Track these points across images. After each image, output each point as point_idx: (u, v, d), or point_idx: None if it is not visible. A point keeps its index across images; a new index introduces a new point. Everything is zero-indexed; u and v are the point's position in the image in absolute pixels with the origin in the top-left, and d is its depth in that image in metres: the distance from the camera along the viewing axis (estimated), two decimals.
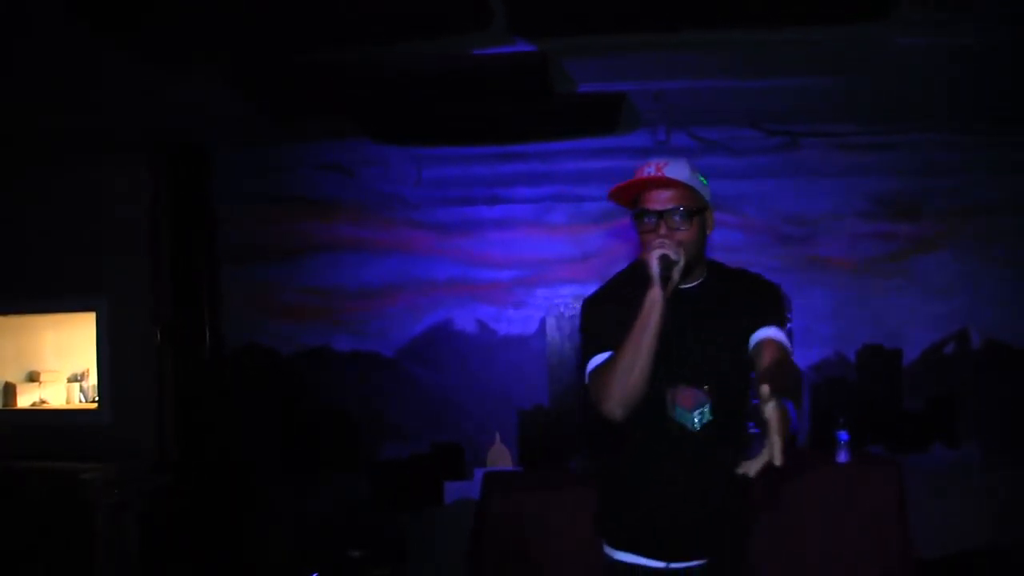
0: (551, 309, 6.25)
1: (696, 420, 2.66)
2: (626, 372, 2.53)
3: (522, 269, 6.27)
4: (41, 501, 5.57)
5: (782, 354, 2.58)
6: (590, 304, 2.87)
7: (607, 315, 2.72)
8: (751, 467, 2.19)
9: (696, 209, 2.64)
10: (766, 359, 2.57)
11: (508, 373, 6.25)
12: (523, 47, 4.52)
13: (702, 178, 2.68)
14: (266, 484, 6.31)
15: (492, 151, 6.24)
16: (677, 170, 2.60)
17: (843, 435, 5.24)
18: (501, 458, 6.11)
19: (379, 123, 5.93)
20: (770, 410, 2.15)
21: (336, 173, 6.38)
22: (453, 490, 6.19)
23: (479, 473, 5.86)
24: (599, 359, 2.67)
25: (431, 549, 6.07)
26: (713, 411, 2.66)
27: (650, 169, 2.62)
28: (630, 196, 2.70)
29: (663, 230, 2.59)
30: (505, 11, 4.06)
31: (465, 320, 6.32)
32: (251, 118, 5.63)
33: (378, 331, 6.32)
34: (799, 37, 4.48)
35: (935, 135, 6.18)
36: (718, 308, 2.71)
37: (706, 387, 2.66)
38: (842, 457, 5.23)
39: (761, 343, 2.64)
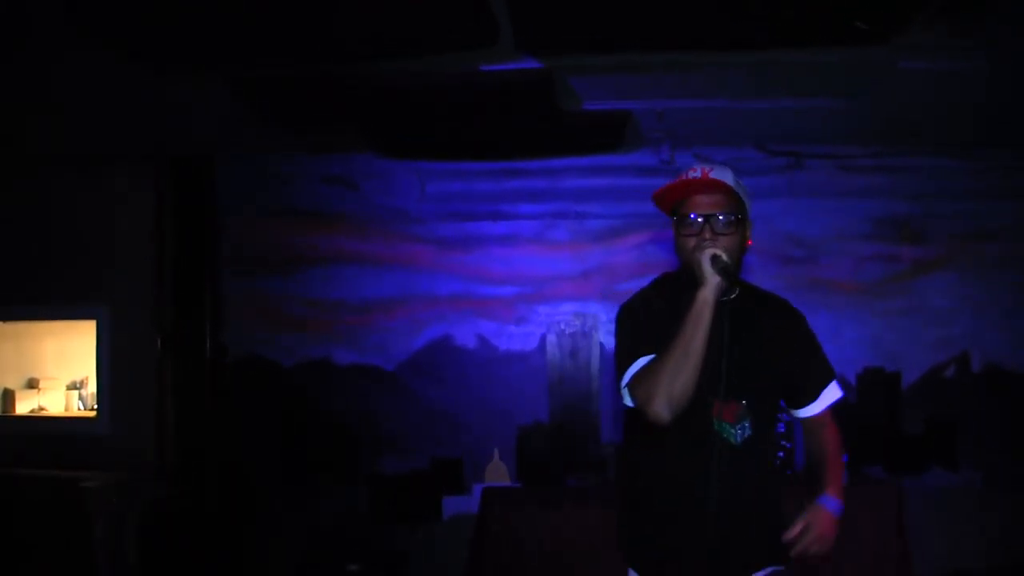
0: (552, 326, 6.25)
1: (738, 434, 2.64)
2: (675, 371, 2.47)
3: (524, 285, 6.27)
4: (40, 509, 5.56)
5: (837, 446, 2.88)
6: (627, 311, 2.81)
7: (646, 321, 2.69)
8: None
9: (739, 216, 2.63)
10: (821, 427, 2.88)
11: (508, 389, 6.24)
12: (529, 64, 4.54)
13: (746, 191, 2.69)
14: (266, 496, 6.30)
15: (496, 167, 6.25)
16: (722, 174, 2.62)
17: (842, 456, 5.23)
18: (499, 474, 6.10)
19: (384, 137, 5.95)
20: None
21: (340, 186, 6.39)
22: (451, 505, 6.18)
23: (477, 488, 5.85)
24: (642, 362, 2.60)
25: (429, 563, 6.07)
26: (754, 426, 2.66)
27: (695, 173, 2.63)
28: (672, 201, 2.69)
29: (707, 234, 2.58)
30: (512, 28, 4.08)
31: (466, 335, 6.31)
32: (256, 130, 5.64)
33: (379, 345, 6.32)
34: (804, 59, 4.51)
35: (940, 159, 6.19)
36: (757, 326, 2.72)
37: (744, 402, 2.64)
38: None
39: (819, 419, 2.89)
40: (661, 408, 2.48)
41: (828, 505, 2.71)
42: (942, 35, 4.10)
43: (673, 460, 2.68)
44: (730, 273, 2.55)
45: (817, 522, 2.65)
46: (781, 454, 5.62)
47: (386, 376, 6.31)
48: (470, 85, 4.87)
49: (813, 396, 2.85)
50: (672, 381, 2.47)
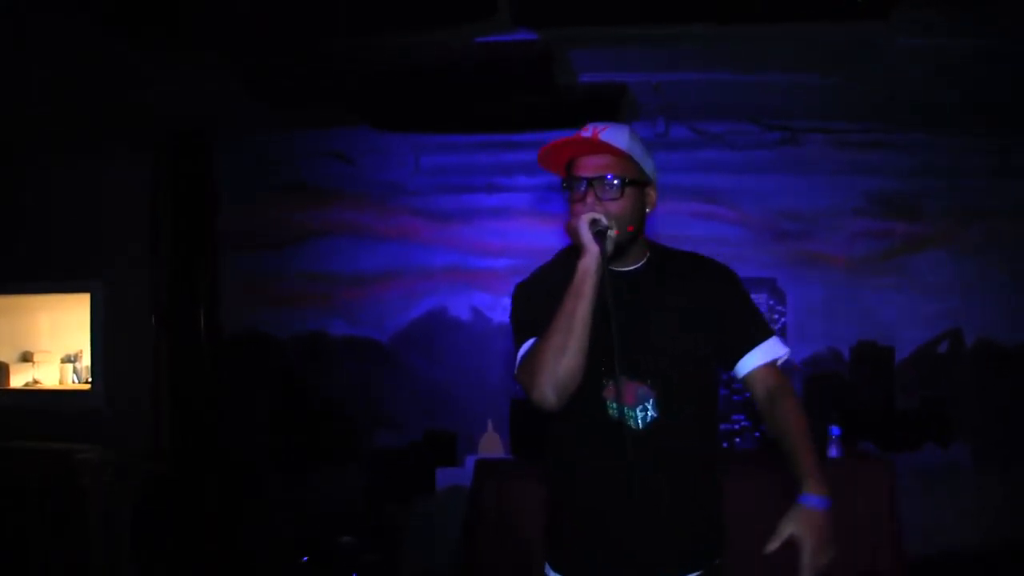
0: None
1: (639, 417, 2.37)
2: (558, 351, 2.24)
3: (518, 258, 6.25)
4: (34, 481, 5.56)
5: (799, 417, 2.43)
6: (520, 289, 2.59)
7: (539, 300, 2.41)
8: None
9: (631, 180, 2.36)
10: (768, 383, 2.47)
11: (502, 361, 6.24)
12: (525, 36, 4.52)
13: (645, 150, 2.44)
14: (260, 471, 6.32)
15: (491, 139, 6.24)
16: (614, 135, 2.35)
17: (835, 430, 5.26)
18: (493, 446, 6.12)
19: (379, 110, 5.93)
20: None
21: (336, 160, 6.39)
22: (445, 477, 6.20)
23: (471, 460, 5.87)
24: (528, 345, 2.38)
25: (423, 535, 6.09)
26: (660, 407, 2.36)
27: (586, 133, 2.36)
28: (561, 162, 2.43)
29: (591, 199, 2.33)
30: (508, 0, 4.07)
31: (460, 307, 6.33)
32: (252, 105, 5.62)
33: (373, 317, 6.33)
34: (801, 34, 4.50)
35: (935, 136, 6.20)
36: (667, 293, 2.45)
37: (649, 381, 2.37)
38: (833, 452, 5.25)
39: (757, 374, 2.48)
40: (546, 392, 2.25)
41: (813, 503, 2.33)
42: (941, 11, 4.09)
43: (575, 451, 2.45)
44: (609, 238, 2.31)
45: (809, 529, 2.30)
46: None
47: (380, 348, 6.32)
48: (465, 58, 4.85)
49: (749, 347, 2.49)
50: (556, 362, 2.23)
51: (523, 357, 2.39)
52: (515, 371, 2.42)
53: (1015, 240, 6.33)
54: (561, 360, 2.23)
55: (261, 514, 6.25)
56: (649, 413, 2.37)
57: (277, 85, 5.39)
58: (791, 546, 2.26)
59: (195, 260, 6.28)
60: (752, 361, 2.48)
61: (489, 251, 6.31)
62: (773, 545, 2.27)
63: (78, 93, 5.37)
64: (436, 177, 6.34)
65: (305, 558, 5.71)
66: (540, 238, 6.28)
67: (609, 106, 5.71)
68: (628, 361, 2.32)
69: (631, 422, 2.36)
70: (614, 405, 2.35)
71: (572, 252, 2.38)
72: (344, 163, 6.39)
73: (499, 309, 6.31)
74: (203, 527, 6.02)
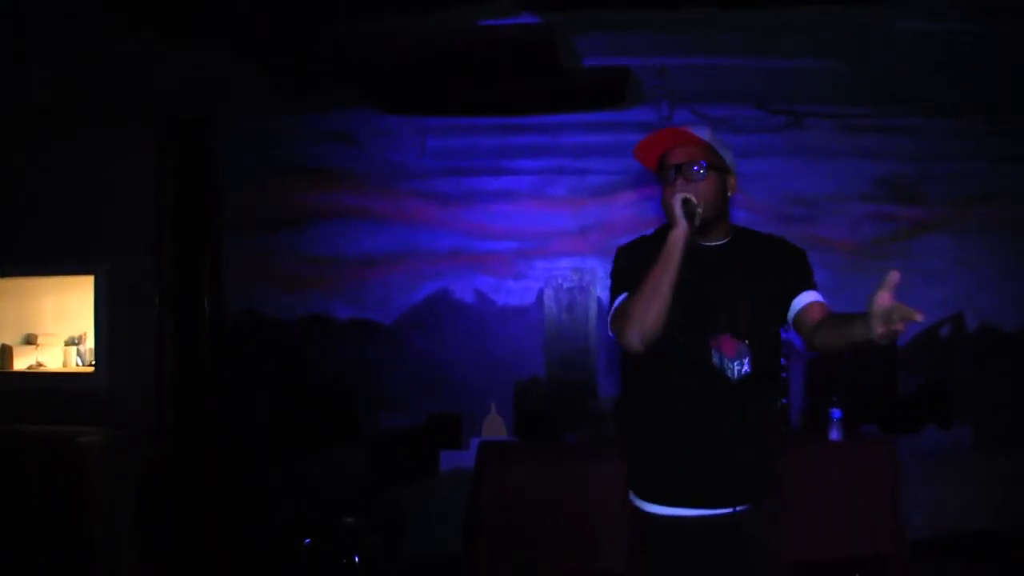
0: (550, 281, 6.26)
1: (736, 369, 2.79)
2: (645, 305, 2.67)
3: (522, 241, 6.27)
4: (37, 464, 5.57)
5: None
6: (621, 251, 3.02)
7: (635, 261, 2.83)
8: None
9: (712, 165, 2.81)
10: (820, 315, 2.79)
11: (506, 344, 6.26)
12: (529, 19, 4.52)
13: (723, 144, 2.87)
14: (261, 452, 6.33)
15: (496, 123, 6.24)
16: (696, 129, 2.82)
17: (836, 412, 5.27)
18: (497, 428, 6.15)
19: (385, 93, 5.92)
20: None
21: (341, 143, 6.37)
22: (449, 459, 6.23)
23: (475, 443, 5.90)
24: (621, 299, 2.83)
25: (426, 517, 6.11)
26: (752, 363, 2.79)
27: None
28: (655, 157, 2.89)
29: (680, 182, 2.77)
30: None
31: (464, 290, 6.32)
32: (257, 88, 5.61)
33: (378, 299, 6.32)
34: (802, 18, 4.49)
35: (938, 120, 6.21)
36: (752, 266, 2.86)
37: (747, 341, 2.79)
38: (835, 435, 5.27)
39: (809, 307, 2.82)
40: (633, 338, 2.70)
41: None
42: None
43: (675, 393, 2.84)
44: (697, 215, 2.73)
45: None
46: (785, 400, 5.70)
47: (384, 330, 6.32)
48: (470, 41, 4.85)
49: (804, 287, 2.85)
50: (643, 315, 2.67)
51: (616, 308, 2.84)
52: (608, 319, 2.88)
53: (1018, 225, 6.35)
54: (648, 315, 2.67)
55: (262, 496, 6.26)
56: (744, 367, 2.79)
57: (280, 69, 5.39)
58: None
59: (198, 243, 6.28)
60: (806, 298, 2.84)
61: (493, 234, 6.30)
62: (886, 291, 2.48)
63: (80, 79, 5.36)
64: (442, 160, 6.33)
65: (308, 540, 5.72)
66: (545, 221, 6.30)
67: (614, 90, 5.71)
68: (729, 320, 2.80)
69: (728, 372, 2.79)
70: (717, 354, 2.79)
71: (668, 228, 2.80)
72: (349, 145, 6.38)
73: (503, 292, 6.32)
74: (205, 509, 6.04)
